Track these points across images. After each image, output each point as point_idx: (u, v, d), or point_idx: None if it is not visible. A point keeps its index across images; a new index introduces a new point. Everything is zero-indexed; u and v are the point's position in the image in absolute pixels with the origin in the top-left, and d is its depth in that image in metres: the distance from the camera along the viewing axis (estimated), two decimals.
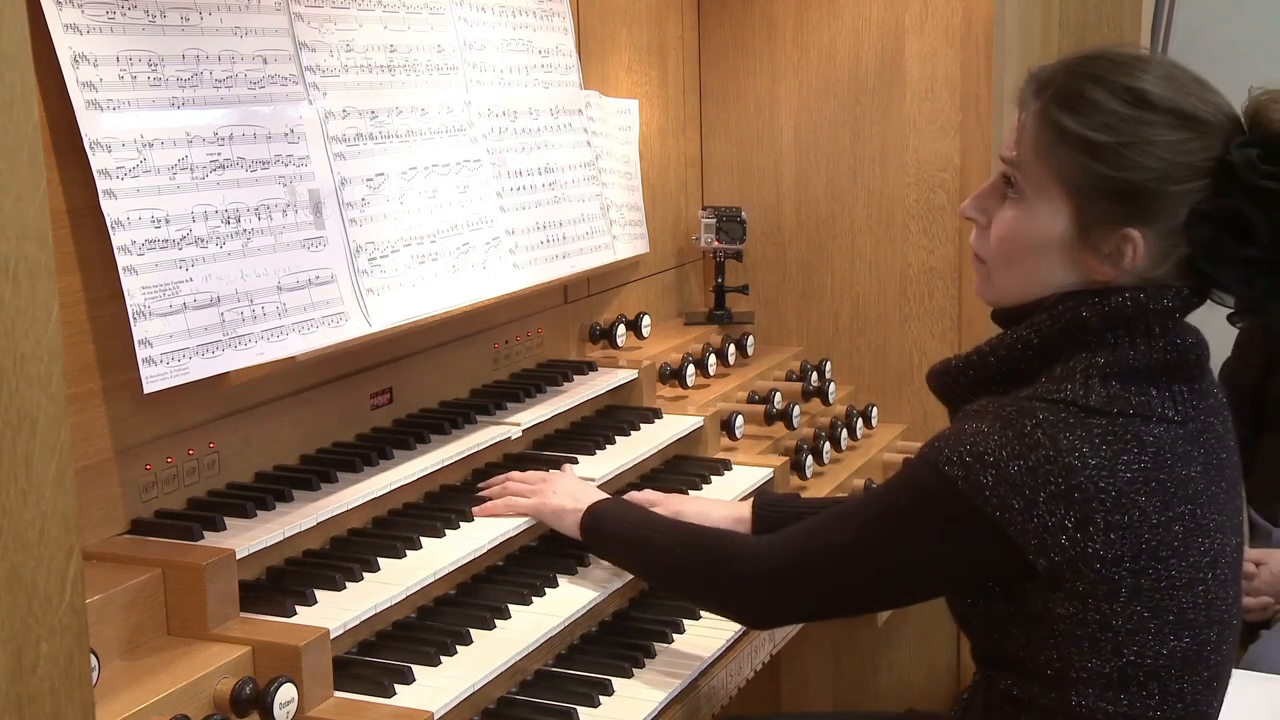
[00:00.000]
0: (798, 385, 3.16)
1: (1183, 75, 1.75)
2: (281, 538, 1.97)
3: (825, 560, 1.84)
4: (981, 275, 1.88)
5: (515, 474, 2.35)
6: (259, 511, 2.00)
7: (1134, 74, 1.73)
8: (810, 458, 2.89)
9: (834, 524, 1.87)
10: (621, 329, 3.00)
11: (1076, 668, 1.72)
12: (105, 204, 1.82)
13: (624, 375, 2.85)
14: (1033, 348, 1.77)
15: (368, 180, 2.26)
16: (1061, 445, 1.66)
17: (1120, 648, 1.71)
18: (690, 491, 2.54)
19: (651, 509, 2.23)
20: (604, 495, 2.25)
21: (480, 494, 2.31)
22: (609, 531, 2.15)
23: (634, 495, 2.37)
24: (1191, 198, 1.70)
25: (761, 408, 2.98)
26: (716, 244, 3.37)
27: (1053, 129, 1.74)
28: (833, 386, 3.18)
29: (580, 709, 1.93)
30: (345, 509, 2.08)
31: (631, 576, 2.24)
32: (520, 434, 2.49)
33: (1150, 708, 1.73)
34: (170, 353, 1.88)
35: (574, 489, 2.26)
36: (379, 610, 1.95)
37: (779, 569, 1.88)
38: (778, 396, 3.00)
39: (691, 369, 2.99)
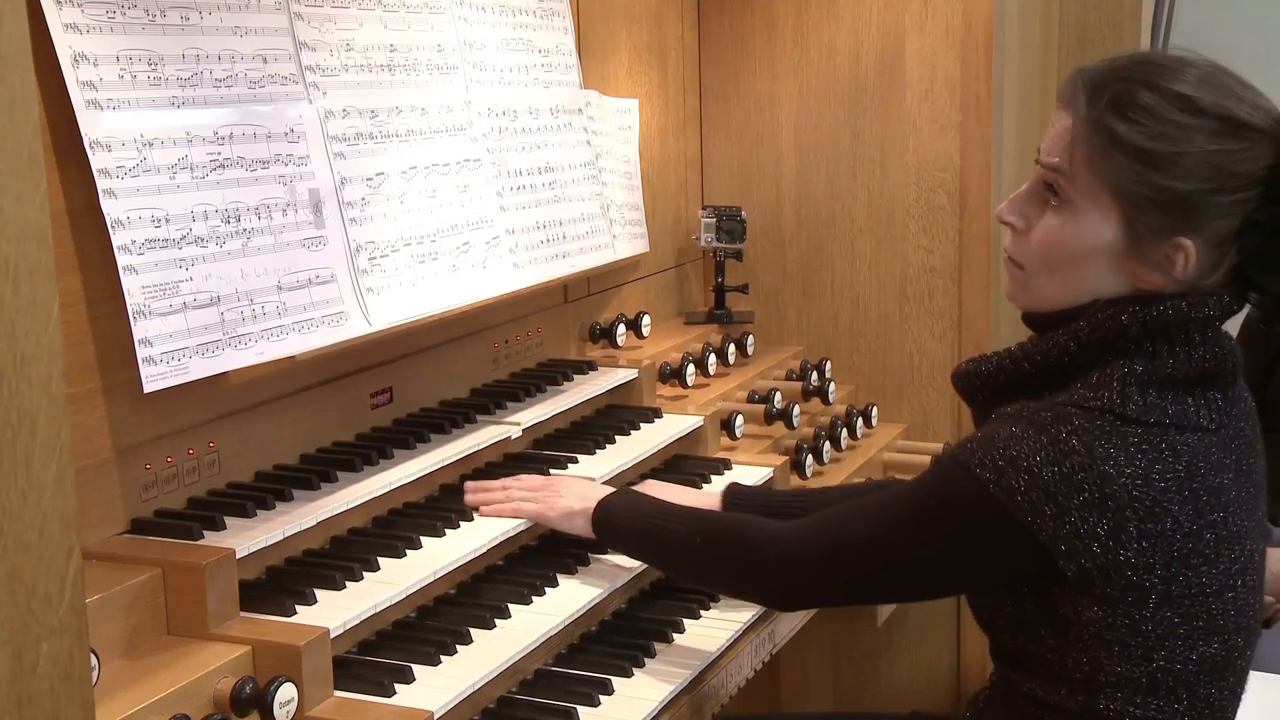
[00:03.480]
0: (798, 385, 3.16)
1: (1229, 80, 1.72)
2: (281, 537, 1.97)
3: (850, 552, 1.83)
4: (1018, 280, 1.84)
5: (514, 480, 2.31)
6: (259, 511, 2.00)
7: (1184, 79, 1.70)
8: (810, 457, 2.89)
9: (861, 516, 1.85)
10: (621, 328, 3.00)
11: (1106, 671, 1.71)
12: (105, 204, 1.82)
13: (624, 375, 2.85)
14: (1070, 354, 1.75)
15: (368, 180, 2.26)
16: (1097, 453, 1.64)
17: (1150, 653, 1.69)
18: None
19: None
20: (610, 489, 2.24)
21: (474, 494, 2.27)
22: (623, 526, 2.14)
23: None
24: (1244, 207, 1.69)
25: (761, 407, 2.98)
26: (716, 244, 3.37)
27: (1105, 136, 1.70)
28: (833, 386, 3.18)
29: (580, 708, 1.93)
30: (345, 509, 2.08)
31: (630, 577, 2.24)
32: (520, 434, 2.49)
33: (1178, 713, 1.72)
34: (170, 352, 1.88)
35: (580, 488, 2.25)
36: (379, 610, 1.95)
37: (805, 556, 1.88)
38: (778, 396, 3.00)
39: (691, 368, 2.99)
